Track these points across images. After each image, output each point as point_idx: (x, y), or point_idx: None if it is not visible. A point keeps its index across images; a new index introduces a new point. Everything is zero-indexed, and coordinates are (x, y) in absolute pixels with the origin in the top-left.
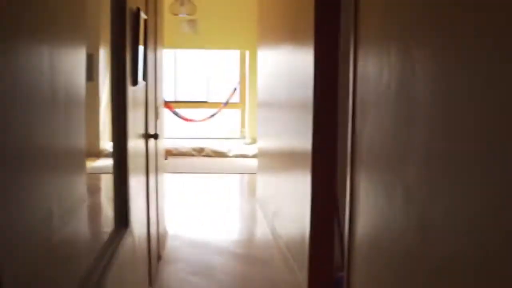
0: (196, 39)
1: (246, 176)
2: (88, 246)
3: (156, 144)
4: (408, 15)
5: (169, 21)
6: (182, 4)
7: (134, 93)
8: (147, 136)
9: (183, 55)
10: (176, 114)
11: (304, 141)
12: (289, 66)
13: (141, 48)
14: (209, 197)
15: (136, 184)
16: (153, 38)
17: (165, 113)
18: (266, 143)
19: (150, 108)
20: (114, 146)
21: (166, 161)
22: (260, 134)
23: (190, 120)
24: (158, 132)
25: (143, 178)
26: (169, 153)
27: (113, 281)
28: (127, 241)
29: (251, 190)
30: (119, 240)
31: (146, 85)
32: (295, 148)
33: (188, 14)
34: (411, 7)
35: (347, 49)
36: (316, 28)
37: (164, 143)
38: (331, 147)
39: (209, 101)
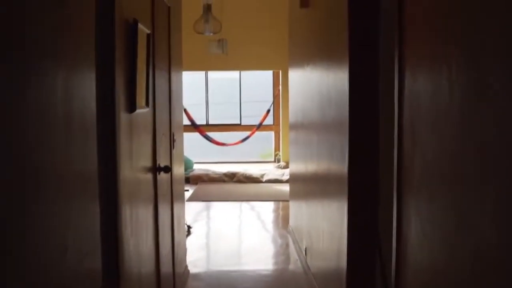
0: (226, 59)
1: (279, 204)
2: None
3: (171, 174)
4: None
5: (196, 42)
6: (206, 21)
7: (133, 120)
8: (156, 169)
9: (215, 77)
10: (207, 138)
11: (339, 165)
12: (321, 85)
13: (142, 68)
14: (239, 228)
15: (137, 223)
16: (166, 57)
17: (196, 137)
18: (297, 167)
19: (161, 137)
20: (100, 182)
21: (187, 192)
22: (292, 157)
23: (222, 144)
24: (174, 162)
25: (150, 214)
26: (199, 180)
27: None
28: None
29: (284, 219)
30: None
31: (154, 111)
32: (330, 172)
33: (213, 33)
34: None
35: (387, 65)
36: (351, 43)
37: (181, 172)
38: (371, 171)
39: (242, 123)
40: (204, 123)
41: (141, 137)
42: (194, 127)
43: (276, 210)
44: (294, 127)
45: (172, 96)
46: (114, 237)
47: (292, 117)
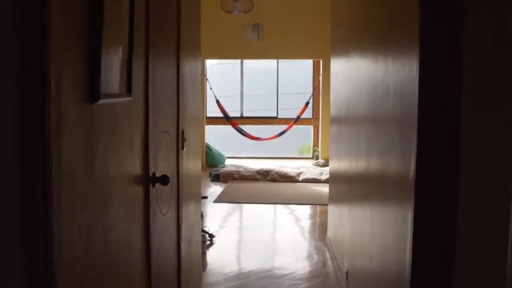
0: (262, 47)
1: (316, 208)
2: None
3: (178, 184)
4: None
5: (229, 26)
6: None
7: (98, 112)
8: (148, 179)
9: (251, 66)
10: (241, 132)
11: (400, 164)
12: (373, 74)
13: (118, 44)
14: (269, 239)
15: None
16: (173, 37)
17: (230, 130)
18: (339, 165)
19: (161, 136)
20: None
21: (204, 199)
22: (333, 154)
23: (257, 139)
24: (185, 165)
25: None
26: (229, 178)
27: None
28: None
29: (322, 228)
30: None
31: (146, 103)
32: (385, 172)
33: (244, 12)
34: None
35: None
36: (423, 17)
37: (197, 173)
38: (447, 172)
39: (279, 117)
40: (238, 115)
41: (117, 135)
42: (227, 119)
43: (313, 216)
44: (337, 121)
45: (183, 85)
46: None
47: (334, 111)
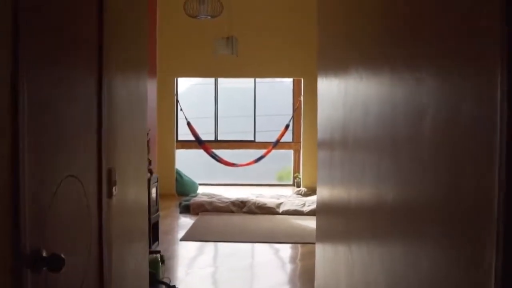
0: (237, 65)
1: (298, 248)
2: None
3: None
4: None
5: (201, 44)
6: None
7: None
8: (25, 261)
9: (226, 86)
10: (214, 157)
11: (424, 191)
12: (391, 95)
13: None
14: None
15: None
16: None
17: (203, 155)
18: (332, 194)
19: (56, 187)
20: None
21: (157, 254)
22: (321, 182)
23: (232, 165)
24: (121, 222)
25: None
26: (201, 209)
27: None
28: None
29: (307, 277)
30: None
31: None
32: (399, 201)
33: (212, 16)
34: None
35: None
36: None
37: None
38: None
39: (256, 140)
40: (213, 138)
41: None
42: (199, 143)
43: (294, 259)
44: (327, 145)
45: (115, 109)
46: None
47: (323, 134)
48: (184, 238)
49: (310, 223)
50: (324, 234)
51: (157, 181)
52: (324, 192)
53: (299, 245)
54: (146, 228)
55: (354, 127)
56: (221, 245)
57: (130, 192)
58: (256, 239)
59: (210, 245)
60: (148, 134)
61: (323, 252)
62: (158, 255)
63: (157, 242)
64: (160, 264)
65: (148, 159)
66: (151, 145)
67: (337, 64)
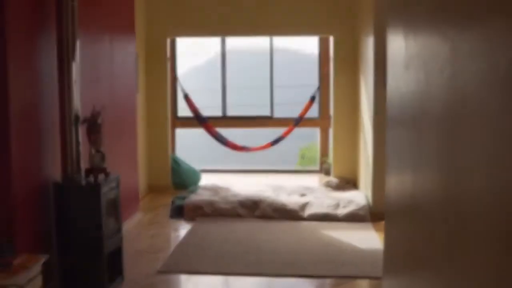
0: (246, 18)
1: None
2: None
3: None
4: None
5: None
6: None
7: None
8: None
9: (236, 49)
10: (220, 139)
11: None
12: None
13: None
14: None
15: None
16: None
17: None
18: (423, 189)
19: None
20: None
21: None
22: (391, 169)
23: (242, 149)
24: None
25: None
26: (198, 213)
27: None
28: None
29: None
30: None
31: None
32: None
33: None
34: None
35: None
36: None
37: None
38: None
39: (274, 116)
40: (220, 114)
41: None
42: (199, 122)
43: None
44: (404, 122)
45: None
46: None
47: (393, 108)
48: (164, 268)
49: (351, 235)
50: (401, 261)
51: (117, 186)
52: (397, 185)
53: (343, 281)
54: None
55: (462, 97)
56: (220, 281)
57: None
58: (274, 269)
59: (203, 282)
60: (99, 114)
61: None
62: None
63: (120, 277)
64: None
65: (100, 152)
66: (117, 128)
67: (427, 17)
